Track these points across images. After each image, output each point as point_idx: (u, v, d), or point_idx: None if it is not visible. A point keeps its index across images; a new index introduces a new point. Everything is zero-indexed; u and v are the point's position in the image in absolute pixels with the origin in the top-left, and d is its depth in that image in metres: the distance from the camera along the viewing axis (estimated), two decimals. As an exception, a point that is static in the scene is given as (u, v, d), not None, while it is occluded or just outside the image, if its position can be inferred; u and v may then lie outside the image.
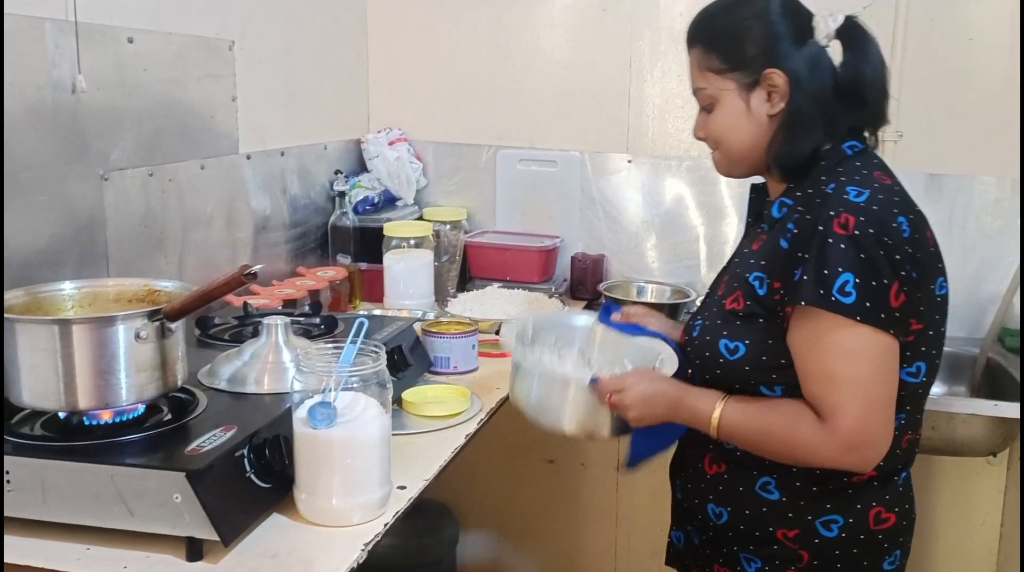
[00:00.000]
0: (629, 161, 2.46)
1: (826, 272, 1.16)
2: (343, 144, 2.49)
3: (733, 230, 2.40)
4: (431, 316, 2.01)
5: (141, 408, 1.26)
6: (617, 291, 2.39)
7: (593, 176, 2.49)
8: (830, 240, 1.17)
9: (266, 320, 1.42)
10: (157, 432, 1.22)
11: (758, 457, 1.28)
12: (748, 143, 1.31)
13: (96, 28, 1.55)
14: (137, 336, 1.18)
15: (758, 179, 1.41)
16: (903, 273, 1.17)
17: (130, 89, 1.65)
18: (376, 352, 1.22)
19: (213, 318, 1.72)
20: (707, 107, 1.35)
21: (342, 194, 2.31)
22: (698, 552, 1.41)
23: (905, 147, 2.15)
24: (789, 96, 1.27)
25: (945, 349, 2.16)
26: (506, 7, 2.48)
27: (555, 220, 2.53)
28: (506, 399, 1.55)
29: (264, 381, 1.37)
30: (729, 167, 1.37)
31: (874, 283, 1.15)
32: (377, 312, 2.06)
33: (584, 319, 1.59)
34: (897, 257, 1.17)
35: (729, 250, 1.90)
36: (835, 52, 1.30)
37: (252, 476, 1.18)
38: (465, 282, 2.43)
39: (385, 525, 1.21)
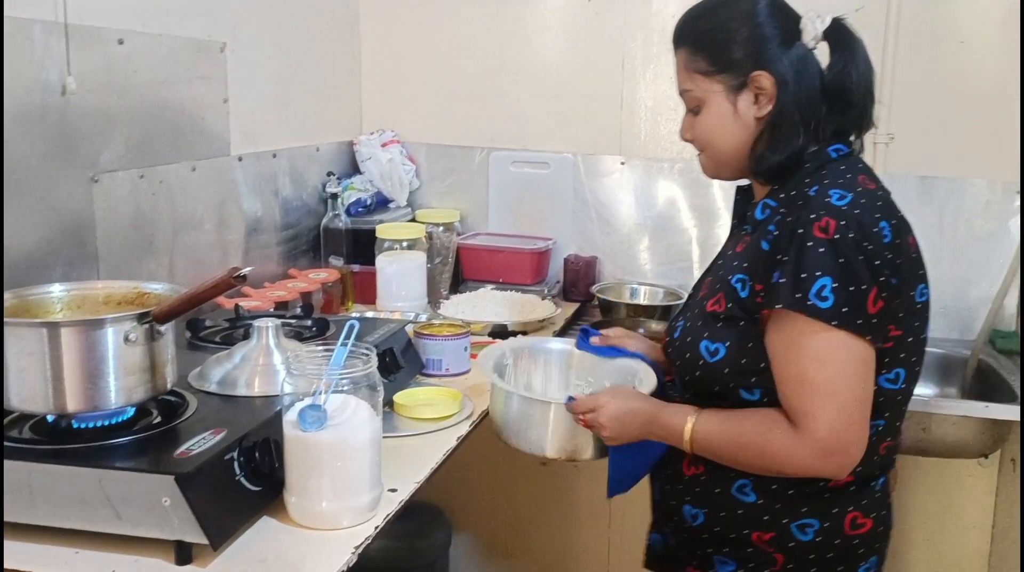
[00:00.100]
0: (622, 163, 2.46)
1: (803, 275, 1.15)
2: (335, 146, 2.49)
3: (725, 232, 2.34)
4: (423, 318, 2.01)
5: (130, 411, 1.25)
6: (610, 293, 2.39)
7: (586, 178, 2.49)
8: (809, 243, 1.16)
9: (257, 322, 1.41)
10: (146, 435, 1.21)
11: (738, 468, 1.27)
12: (735, 145, 1.31)
13: (86, 30, 1.55)
14: (126, 339, 1.18)
15: (745, 181, 1.40)
16: (882, 279, 1.17)
17: (120, 91, 1.65)
18: (367, 355, 1.22)
19: (204, 320, 1.71)
20: (694, 109, 1.34)
21: (334, 196, 2.31)
22: (674, 554, 1.40)
23: (896, 149, 2.15)
24: (776, 99, 1.26)
25: (936, 351, 2.22)
26: (498, 9, 2.48)
27: (548, 222, 2.53)
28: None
29: (254, 384, 1.36)
30: (716, 169, 1.37)
31: (852, 288, 1.15)
32: (369, 314, 2.06)
33: (560, 345, 1.60)
34: (877, 262, 1.16)
35: (721, 252, 1.90)
36: (823, 54, 1.30)
37: (242, 479, 1.18)
38: (458, 284, 2.43)
39: (376, 528, 1.21)
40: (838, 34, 1.28)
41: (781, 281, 1.17)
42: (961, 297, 2.27)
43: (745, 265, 1.26)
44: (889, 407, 1.27)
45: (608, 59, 2.43)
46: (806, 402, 1.17)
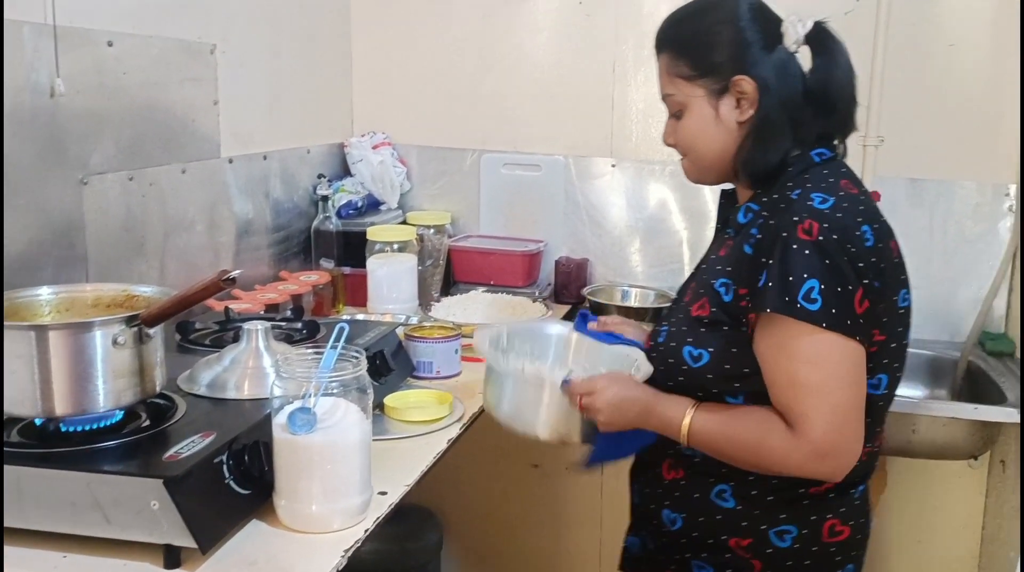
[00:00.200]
0: (613, 165, 2.47)
1: (791, 278, 1.15)
2: (326, 148, 2.49)
3: (716, 234, 2.40)
4: (414, 320, 2.01)
5: (119, 414, 1.25)
6: (601, 295, 2.39)
7: (577, 180, 2.49)
8: (794, 246, 1.16)
9: (246, 325, 1.41)
10: (135, 439, 1.20)
11: (716, 464, 1.27)
12: (717, 150, 1.30)
13: (75, 31, 1.54)
14: (115, 342, 1.17)
15: (729, 185, 1.40)
16: (866, 281, 1.17)
17: (110, 93, 1.64)
18: (356, 357, 1.22)
19: (194, 323, 1.71)
20: (676, 113, 1.33)
21: (325, 198, 2.30)
22: (652, 558, 1.39)
23: (886, 152, 2.15)
24: (758, 103, 1.26)
25: (926, 353, 2.23)
26: (490, 11, 2.48)
27: (539, 224, 2.53)
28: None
29: (244, 386, 1.36)
30: (699, 174, 1.36)
31: (839, 289, 1.15)
32: (360, 316, 2.05)
33: (558, 328, 1.58)
34: (860, 265, 1.17)
35: (712, 254, 1.90)
36: (806, 58, 1.29)
37: (231, 482, 1.17)
38: (449, 286, 2.43)
39: (365, 531, 1.21)
40: (820, 38, 1.27)
41: (768, 285, 1.17)
42: (951, 299, 2.28)
43: (728, 269, 1.26)
44: (871, 413, 1.26)
45: (599, 61, 2.43)
46: (800, 404, 1.17)
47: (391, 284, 2.13)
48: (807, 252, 1.15)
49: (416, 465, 1.41)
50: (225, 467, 1.17)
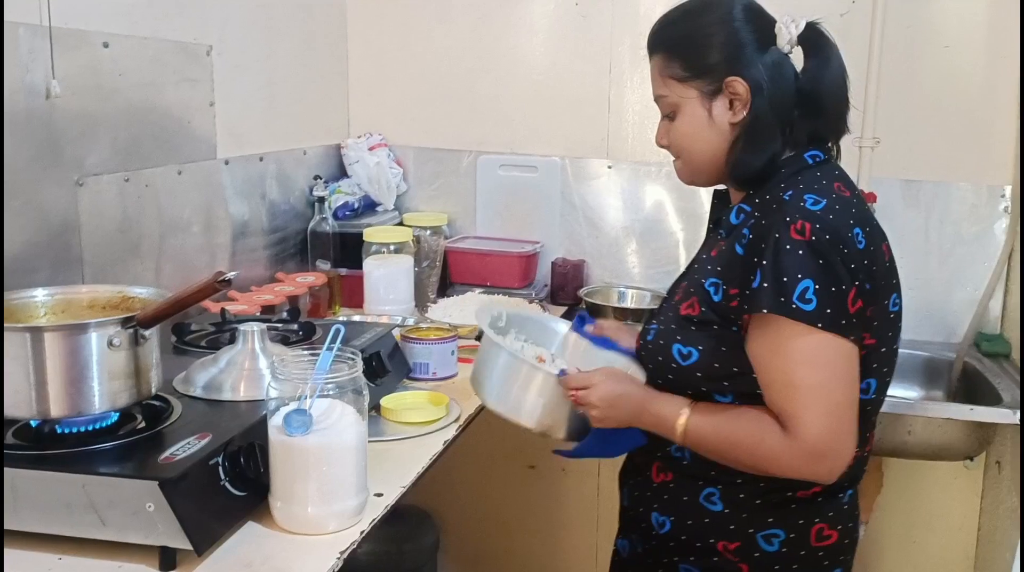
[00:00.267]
0: (609, 167, 2.47)
1: (785, 279, 1.15)
2: (323, 149, 2.48)
3: (713, 236, 2.40)
4: (411, 322, 2.01)
5: (114, 416, 1.25)
6: (597, 296, 2.39)
7: (573, 181, 2.50)
8: (787, 246, 1.15)
9: (242, 326, 1.41)
10: (130, 440, 1.20)
11: (705, 467, 1.27)
12: (710, 151, 1.29)
13: (70, 33, 1.54)
14: (110, 343, 1.17)
15: (722, 186, 1.39)
16: (858, 282, 1.17)
17: (106, 94, 1.64)
18: (352, 359, 1.22)
19: (190, 325, 1.71)
20: (669, 115, 1.33)
21: (322, 199, 2.31)
22: (640, 561, 1.39)
23: (882, 153, 2.16)
24: (751, 104, 1.25)
25: (921, 354, 2.24)
26: (486, 13, 2.48)
27: (535, 225, 2.53)
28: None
29: (240, 388, 1.35)
30: (692, 175, 1.35)
31: (833, 289, 1.15)
32: (356, 318, 2.05)
33: (559, 325, 1.58)
34: (852, 265, 1.16)
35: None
36: (799, 59, 1.29)
37: (227, 484, 1.17)
38: (445, 288, 2.43)
39: (361, 533, 1.20)
40: (812, 39, 1.26)
41: (763, 286, 1.16)
42: (946, 300, 2.28)
43: (719, 269, 1.26)
44: (860, 417, 1.25)
45: (595, 63, 2.43)
46: (795, 406, 1.17)
47: (387, 285, 2.13)
48: (800, 252, 1.15)
49: (412, 467, 1.41)
50: (221, 469, 1.17)
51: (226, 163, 2.01)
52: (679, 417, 1.24)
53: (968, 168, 2.25)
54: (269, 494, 1.21)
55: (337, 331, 1.21)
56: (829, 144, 1.31)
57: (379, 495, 1.29)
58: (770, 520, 1.26)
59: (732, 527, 1.27)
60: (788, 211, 1.18)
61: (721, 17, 1.27)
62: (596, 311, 2.32)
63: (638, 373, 1.36)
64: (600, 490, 2.57)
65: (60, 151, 1.54)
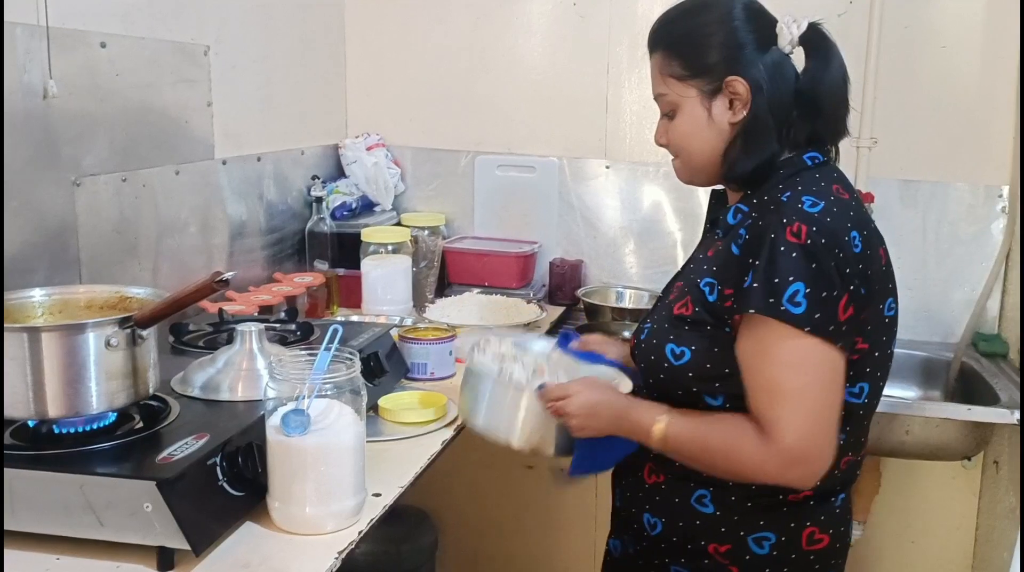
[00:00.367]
0: (607, 167, 2.47)
1: (776, 280, 1.14)
2: (320, 149, 2.48)
3: (710, 236, 2.40)
4: (409, 322, 2.01)
5: (112, 416, 1.24)
6: (595, 296, 2.39)
7: (571, 182, 2.50)
8: (782, 248, 1.14)
9: (240, 327, 1.41)
10: (128, 441, 1.20)
11: (696, 469, 1.26)
12: (709, 151, 1.29)
13: (68, 33, 1.54)
14: (107, 343, 1.17)
15: (720, 186, 1.38)
16: (852, 287, 1.15)
17: (103, 94, 1.64)
18: (350, 359, 1.22)
19: (187, 325, 1.71)
20: (668, 113, 1.32)
21: (319, 200, 2.30)
22: (632, 562, 1.38)
23: (880, 154, 2.16)
24: (750, 104, 1.24)
25: (919, 354, 2.24)
26: (484, 13, 2.48)
27: (533, 226, 2.53)
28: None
29: (238, 388, 1.35)
30: (690, 175, 1.35)
31: (824, 294, 1.13)
32: (354, 318, 2.05)
33: (541, 344, 1.58)
34: (847, 270, 1.15)
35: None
36: (800, 59, 1.28)
37: (224, 484, 1.17)
38: (443, 288, 2.43)
39: (359, 533, 1.20)
40: (814, 39, 1.25)
41: (753, 286, 1.15)
42: (944, 300, 2.29)
43: (714, 269, 1.25)
44: (852, 421, 1.25)
45: (593, 63, 2.43)
46: (775, 409, 1.15)
47: (385, 286, 2.13)
48: (794, 255, 1.14)
49: (410, 467, 1.41)
50: (218, 469, 1.17)
51: (224, 163, 2.01)
52: (657, 423, 1.24)
53: (966, 168, 2.25)
54: (267, 494, 1.21)
55: (335, 331, 1.20)
56: (828, 146, 1.30)
57: (377, 495, 1.29)
58: (761, 523, 1.26)
59: (723, 529, 1.27)
60: (785, 212, 1.17)
61: (722, 16, 1.26)
62: (594, 311, 2.32)
63: (625, 383, 1.36)
64: (598, 490, 2.57)
65: (57, 151, 1.54)
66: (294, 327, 1.72)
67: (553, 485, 1.37)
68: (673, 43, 1.30)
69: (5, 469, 1.12)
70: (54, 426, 1.21)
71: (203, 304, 1.79)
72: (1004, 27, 2.16)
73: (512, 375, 1.45)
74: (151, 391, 1.26)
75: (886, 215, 2.20)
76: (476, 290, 2.34)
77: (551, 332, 2.19)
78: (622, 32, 2.40)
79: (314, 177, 2.37)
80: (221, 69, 1.97)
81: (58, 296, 1.34)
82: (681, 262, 2.41)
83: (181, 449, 1.16)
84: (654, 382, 1.30)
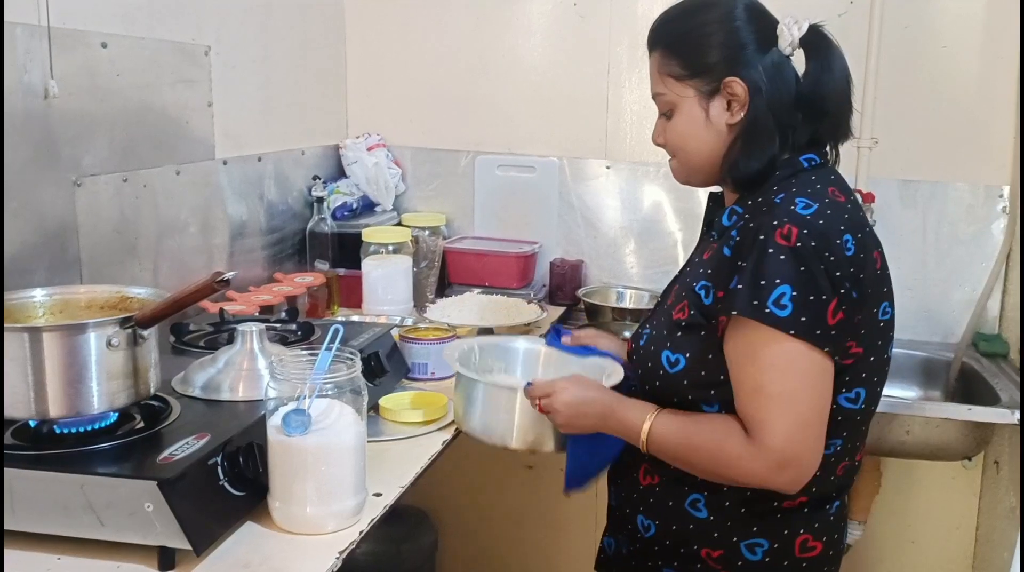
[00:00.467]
0: (607, 167, 2.47)
1: (762, 282, 1.13)
2: (321, 150, 2.48)
3: (711, 236, 2.40)
4: (409, 322, 2.01)
5: (113, 416, 1.24)
6: (595, 296, 2.39)
7: (571, 182, 2.50)
8: (770, 250, 1.13)
9: (240, 327, 1.41)
10: (129, 440, 1.20)
11: (691, 473, 1.25)
12: (706, 152, 1.28)
13: (68, 33, 1.54)
14: (108, 343, 1.17)
15: (717, 188, 1.38)
16: (842, 291, 1.14)
17: (103, 94, 1.64)
18: (351, 359, 1.22)
19: (188, 325, 1.71)
20: (666, 113, 1.31)
21: (320, 200, 2.30)
22: (625, 562, 1.38)
23: (879, 154, 2.16)
24: (749, 105, 1.23)
25: (919, 354, 2.24)
26: (484, 13, 2.48)
27: (534, 226, 2.53)
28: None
29: (238, 388, 1.35)
30: (687, 175, 1.34)
31: (811, 298, 1.12)
32: (355, 318, 2.05)
33: (526, 343, 1.59)
34: (838, 274, 1.14)
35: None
36: (800, 61, 1.27)
37: (225, 484, 1.17)
38: (444, 288, 2.43)
39: (360, 533, 1.20)
40: (815, 41, 1.24)
41: (739, 287, 1.15)
42: (944, 300, 2.29)
43: (709, 272, 1.24)
44: (848, 427, 1.24)
45: (594, 63, 2.43)
46: (761, 412, 1.14)
47: (386, 286, 2.13)
48: (783, 257, 1.13)
49: (411, 467, 1.41)
50: (219, 469, 1.17)
51: (224, 163, 2.01)
52: (644, 422, 1.23)
53: (966, 168, 2.25)
54: (268, 494, 1.21)
55: (336, 331, 1.21)
56: (827, 148, 1.29)
57: (378, 495, 1.29)
58: (754, 529, 1.25)
59: (716, 534, 1.26)
60: (777, 214, 1.16)
61: (722, 16, 1.25)
62: (594, 311, 2.32)
63: (618, 371, 1.35)
64: (597, 490, 2.55)
65: (58, 151, 1.54)
66: (295, 327, 1.72)
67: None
68: (672, 42, 1.29)
69: (6, 469, 1.12)
70: (55, 426, 1.21)
71: (204, 304, 1.79)
72: (1004, 27, 2.16)
73: (502, 377, 1.46)
74: (152, 391, 1.26)
75: (886, 215, 2.20)
76: (476, 290, 2.34)
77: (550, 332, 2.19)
78: (622, 32, 2.40)
79: (315, 177, 2.37)
80: (221, 69, 1.97)
81: (59, 296, 1.34)
82: (681, 262, 2.42)
83: (182, 449, 1.16)
84: (650, 389, 1.29)
